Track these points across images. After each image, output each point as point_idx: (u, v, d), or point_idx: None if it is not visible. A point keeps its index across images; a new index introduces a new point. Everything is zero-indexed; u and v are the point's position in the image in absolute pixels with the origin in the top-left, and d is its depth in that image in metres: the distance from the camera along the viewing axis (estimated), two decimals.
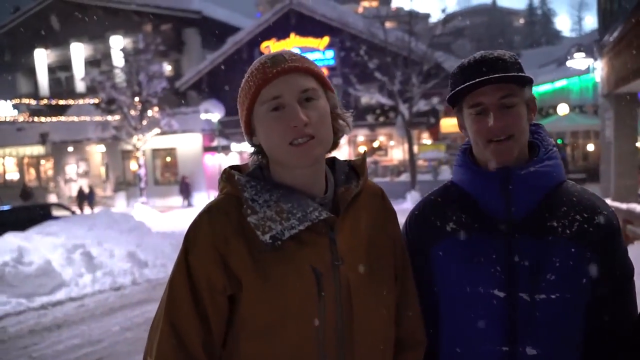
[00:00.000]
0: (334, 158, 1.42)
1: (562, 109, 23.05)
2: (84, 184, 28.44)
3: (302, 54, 1.33)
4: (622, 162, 10.44)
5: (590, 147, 24.67)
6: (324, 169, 1.34)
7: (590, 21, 72.01)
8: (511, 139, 1.37)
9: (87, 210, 23.47)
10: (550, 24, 72.67)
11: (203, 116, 24.47)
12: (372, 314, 1.29)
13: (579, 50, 15.10)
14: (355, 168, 1.41)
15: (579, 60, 15.13)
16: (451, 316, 1.47)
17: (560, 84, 24.39)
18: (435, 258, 1.48)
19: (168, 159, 28.00)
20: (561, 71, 24.47)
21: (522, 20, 75.97)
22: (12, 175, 33.27)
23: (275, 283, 1.22)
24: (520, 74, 1.38)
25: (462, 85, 1.39)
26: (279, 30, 25.60)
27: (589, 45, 15.17)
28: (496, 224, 1.41)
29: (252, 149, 1.36)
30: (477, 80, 1.36)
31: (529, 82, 1.39)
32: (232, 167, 1.36)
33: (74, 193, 26.93)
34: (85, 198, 25.02)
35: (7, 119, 29.25)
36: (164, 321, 1.23)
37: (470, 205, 1.46)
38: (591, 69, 14.32)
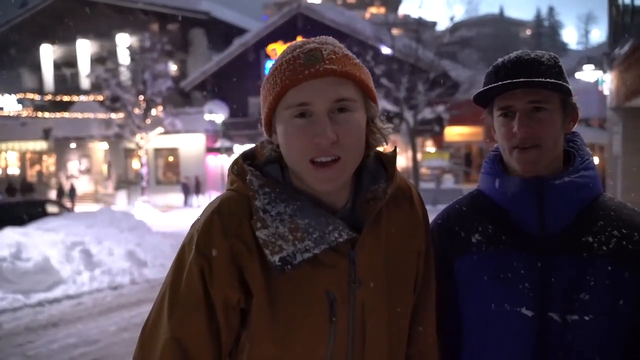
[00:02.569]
0: None
1: None
2: (75, 181, 28.42)
3: (347, 52, 1.13)
4: (629, 176, 10.34)
5: (595, 161, 24.56)
6: (351, 179, 1.16)
7: (597, 34, 72.09)
8: (537, 148, 1.27)
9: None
10: (557, 36, 72.79)
11: (207, 117, 24.45)
12: (383, 335, 1.17)
13: (588, 63, 15.02)
14: (383, 162, 1.21)
15: (588, 73, 15.05)
16: (474, 335, 1.37)
17: None
18: (459, 272, 1.38)
19: (170, 158, 27.97)
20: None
21: (529, 32, 76.11)
22: (14, 169, 33.23)
23: (284, 305, 1.09)
24: (554, 79, 1.27)
25: (489, 87, 1.30)
26: (286, 33, 25.57)
27: (598, 58, 15.10)
28: (527, 237, 1.31)
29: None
30: (502, 83, 1.27)
31: (566, 89, 1.29)
32: (245, 156, 1.19)
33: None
34: (63, 195, 24.95)
35: (11, 114, 29.24)
36: (171, 339, 1.09)
37: (498, 216, 1.36)
38: (600, 82, 14.24)
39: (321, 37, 1.16)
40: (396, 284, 1.19)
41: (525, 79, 1.26)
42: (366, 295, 1.14)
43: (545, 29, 73.46)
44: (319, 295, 1.10)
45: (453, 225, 1.43)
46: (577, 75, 15.79)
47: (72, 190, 25.67)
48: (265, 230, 1.07)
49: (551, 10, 76.18)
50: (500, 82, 1.28)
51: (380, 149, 1.22)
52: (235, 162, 1.18)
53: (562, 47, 69.01)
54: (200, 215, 1.16)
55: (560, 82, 1.27)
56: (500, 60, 1.36)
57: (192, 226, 1.15)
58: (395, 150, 1.25)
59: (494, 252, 1.33)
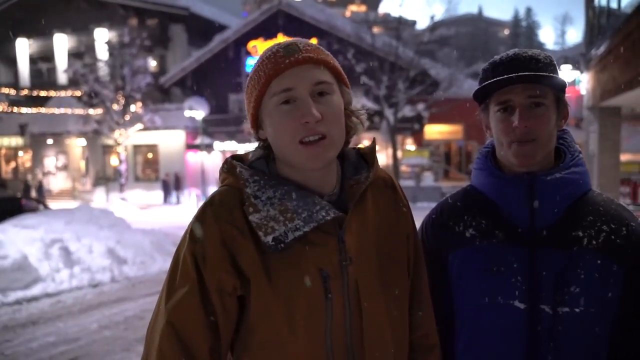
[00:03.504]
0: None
1: None
2: (52, 178, 27.97)
3: (319, 46, 1.24)
4: (605, 175, 10.55)
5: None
6: (335, 166, 1.25)
7: (573, 35, 73.24)
8: (534, 142, 1.31)
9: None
10: (534, 36, 73.78)
11: (187, 113, 24.24)
12: (382, 316, 1.22)
13: (565, 63, 15.29)
14: (364, 156, 1.32)
15: (565, 73, 15.33)
16: (468, 327, 1.40)
17: None
18: (453, 265, 1.42)
19: (150, 155, 27.68)
20: None
21: (506, 31, 77.01)
22: None
23: (281, 285, 1.14)
24: (553, 75, 1.32)
25: (491, 81, 1.33)
26: (266, 30, 25.49)
27: (574, 58, 15.37)
28: (519, 231, 1.34)
29: (256, 143, 1.27)
30: (506, 76, 1.30)
31: (562, 86, 1.34)
32: (233, 157, 1.27)
33: (51, 186, 26.47)
34: (29, 192, 24.54)
35: None
36: (166, 325, 1.13)
37: (491, 211, 1.39)
38: (577, 82, 14.50)
39: (296, 38, 1.25)
40: (388, 265, 1.25)
41: (529, 73, 1.29)
42: (358, 273, 1.20)
43: (523, 29, 74.40)
44: (313, 272, 1.16)
45: (447, 220, 1.46)
46: None
47: (41, 187, 25.17)
48: (257, 214, 1.15)
49: (529, 10, 77.24)
50: (504, 76, 1.30)
51: (360, 143, 1.31)
52: (225, 162, 1.26)
53: (539, 47, 69.96)
54: (197, 211, 1.22)
55: (558, 77, 1.33)
56: (497, 57, 1.39)
57: (189, 222, 1.22)
58: (374, 142, 1.34)
59: (487, 246, 1.37)
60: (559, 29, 79.38)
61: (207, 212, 1.18)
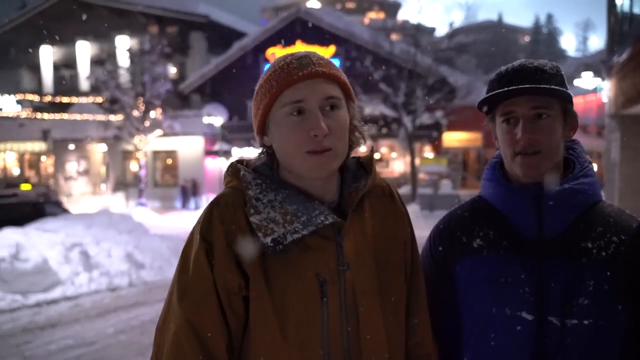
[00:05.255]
0: None
1: None
2: (73, 182, 28.36)
3: (330, 60, 1.26)
4: (627, 183, 10.38)
5: (594, 168, 24.64)
6: (336, 175, 1.28)
7: (596, 42, 72.37)
8: (539, 155, 1.31)
9: None
10: (556, 43, 73.03)
11: (205, 120, 24.45)
12: (379, 321, 1.23)
13: (586, 70, 15.10)
14: (363, 165, 1.34)
15: (586, 80, 15.13)
16: (475, 338, 1.39)
17: None
18: (460, 275, 1.41)
19: (169, 161, 27.94)
20: None
21: (527, 38, 76.36)
22: (13, 170, 33.15)
23: (278, 287, 1.17)
24: (557, 87, 1.31)
25: (493, 93, 1.33)
26: (285, 37, 25.63)
27: (595, 65, 15.18)
28: (526, 242, 1.34)
29: (260, 149, 1.30)
30: (507, 89, 1.30)
31: (567, 97, 1.33)
32: (238, 161, 1.31)
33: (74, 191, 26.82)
34: (51, 196, 24.83)
35: (10, 115, 29.19)
36: (184, 323, 1.14)
37: (499, 221, 1.39)
38: (598, 89, 14.31)
39: (307, 51, 1.27)
40: (385, 271, 1.27)
41: (531, 85, 1.29)
42: (355, 279, 1.21)
43: (544, 35, 73.68)
44: (310, 276, 1.18)
45: (454, 230, 1.46)
46: (576, 82, 15.87)
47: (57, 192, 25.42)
48: (258, 216, 1.18)
49: (549, 17, 76.54)
50: (505, 88, 1.31)
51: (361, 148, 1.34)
52: (230, 165, 1.30)
53: (561, 54, 69.22)
54: (202, 212, 1.25)
55: (564, 89, 1.31)
56: (503, 68, 1.39)
57: (195, 223, 1.25)
58: (372, 151, 1.37)
59: (495, 257, 1.36)
60: (581, 35, 78.37)
61: (213, 213, 1.21)
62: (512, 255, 1.34)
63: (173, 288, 1.21)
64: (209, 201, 1.27)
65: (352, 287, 1.20)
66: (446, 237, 1.47)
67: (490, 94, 1.34)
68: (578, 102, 23.67)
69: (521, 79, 1.32)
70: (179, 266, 1.22)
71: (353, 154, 1.35)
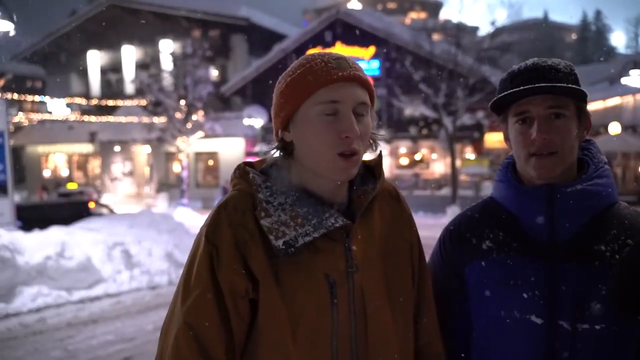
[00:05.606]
0: None
1: (614, 128, 22.25)
2: (128, 183, 29.15)
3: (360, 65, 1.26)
4: None
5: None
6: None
7: None
8: (554, 156, 1.27)
9: None
10: (605, 40, 70.62)
11: (246, 121, 24.77)
12: (387, 323, 1.23)
13: (635, 67, 14.56)
14: (371, 168, 1.34)
15: (634, 78, 14.59)
16: (483, 341, 1.38)
17: (613, 102, 23.57)
18: (469, 277, 1.39)
19: (210, 162, 28.45)
20: (614, 89, 23.67)
21: (574, 36, 74.17)
22: (62, 171, 34.39)
23: (288, 289, 1.17)
24: (573, 86, 1.28)
25: (508, 92, 1.30)
26: (325, 38, 25.75)
27: None
28: (537, 244, 1.31)
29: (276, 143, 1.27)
30: (523, 88, 1.27)
31: (582, 96, 1.29)
32: (246, 164, 1.30)
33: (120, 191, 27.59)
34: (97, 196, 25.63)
35: (60, 117, 30.32)
36: (183, 325, 1.15)
37: (510, 223, 1.36)
38: None
39: (342, 54, 1.26)
40: (393, 274, 1.27)
41: (548, 84, 1.26)
42: (364, 280, 1.22)
43: (592, 33, 71.36)
44: (320, 278, 1.19)
45: (464, 231, 1.44)
46: (623, 80, 15.32)
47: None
48: (268, 219, 1.17)
49: (598, 13, 74.06)
50: (522, 87, 1.27)
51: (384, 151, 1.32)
52: (238, 168, 1.28)
53: (610, 52, 66.89)
54: (209, 214, 1.25)
55: (578, 87, 1.28)
56: (515, 67, 1.36)
57: (202, 225, 1.25)
58: (380, 154, 1.35)
59: (505, 259, 1.33)
60: (632, 31, 75.43)
61: (221, 216, 1.20)
62: (522, 257, 1.31)
63: (178, 290, 1.21)
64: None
65: (360, 289, 1.21)
66: (456, 238, 1.45)
67: (506, 92, 1.30)
68: (628, 100, 22.85)
69: (536, 77, 1.28)
70: (185, 269, 1.22)
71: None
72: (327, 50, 1.29)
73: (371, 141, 1.27)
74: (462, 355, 1.40)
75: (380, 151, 1.36)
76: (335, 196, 1.25)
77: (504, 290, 1.32)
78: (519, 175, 1.39)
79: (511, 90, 1.29)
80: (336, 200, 1.25)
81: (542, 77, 1.28)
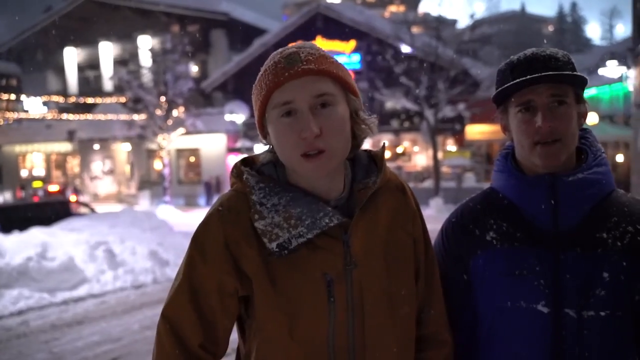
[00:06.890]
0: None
1: (591, 119, 22.54)
2: (99, 182, 28.85)
3: (324, 53, 1.22)
4: None
5: (620, 158, 24.12)
6: (342, 170, 1.26)
7: (622, 29, 70.68)
8: (558, 143, 1.28)
9: None
10: (581, 32, 71.59)
11: (228, 117, 24.60)
12: (386, 317, 1.22)
13: (612, 58, 14.77)
14: (375, 159, 1.32)
15: (611, 69, 14.80)
16: (490, 331, 1.37)
17: (590, 92, 23.87)
18: (474, 269, 1.39)
19: (192, 159, 28.23)
20: (591, 80, 23.92)
21: (551, 28, 75.06)
22: (39, 171, 33.86)
23: (285, 288, 1.17)
24: (577, 73, 1.29)
25: (513, 82, 1.30)
26: (305, 33, 25.61)
27: (622, 53, 14.84)
28: (540, 233, 1.31)
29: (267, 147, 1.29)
30: (530, 77, 1.27)
31: (583, 84, 1.31)
32: (243, 161, 1.30)
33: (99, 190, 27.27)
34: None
35: (37, 116, 29.83)
36: (161, 318, 1.23)
37: (512, 213, 1.36)
38: (624, 78, 13.99)
39: (301, 42, 1.25)
40: (395, 267, 1.25)
41: (553, 72, 1.27)
42: (363, 277, 1.21)
43: (568, 24, 72.30)
44: (317, 276, 1.18)
45: (467, 223, 1.43)
46: (601, 71, 15.53)
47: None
48: (262, 221, 1.18)
49: (574, 5, 75.04)
50: (528, 77, 1.28)
51: (367, 145, 1.33)
52: (235, 166, 1.29)
53: (586, 43, 67.82)
54: (206, 213, 1.27)
55: (581, 75, 1.29)
56: (514, 57, 1.36)
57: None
58: (383, 146, 1.33)
59: (509, 249, 1.34)
60: (607, 23, 76.50)
61: (214, 216, 1.23)
62: (527, 247, 1.32)
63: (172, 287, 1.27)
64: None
65: (359, 285, 1.20)
66: (459, 230, 1.44)
67: (512, 82, 1.30)
68: (604, 91, 23.19)
69: (537, 67, 1.29)
70: (181, 267, 1.27)
71: (364, 146, 1.33)
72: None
73: (363, 126, 1.25)
74: (469, 346, 1.39)
75: (384, 143, 1.35)
76: (330, 191, 1.23)
77: (509, 280, 1.32)
78: (519, 165, 1.39)
79: (518, 80, 1.29)
80: (332, 195, 1.24)
81: (544, 67, 1.29)
